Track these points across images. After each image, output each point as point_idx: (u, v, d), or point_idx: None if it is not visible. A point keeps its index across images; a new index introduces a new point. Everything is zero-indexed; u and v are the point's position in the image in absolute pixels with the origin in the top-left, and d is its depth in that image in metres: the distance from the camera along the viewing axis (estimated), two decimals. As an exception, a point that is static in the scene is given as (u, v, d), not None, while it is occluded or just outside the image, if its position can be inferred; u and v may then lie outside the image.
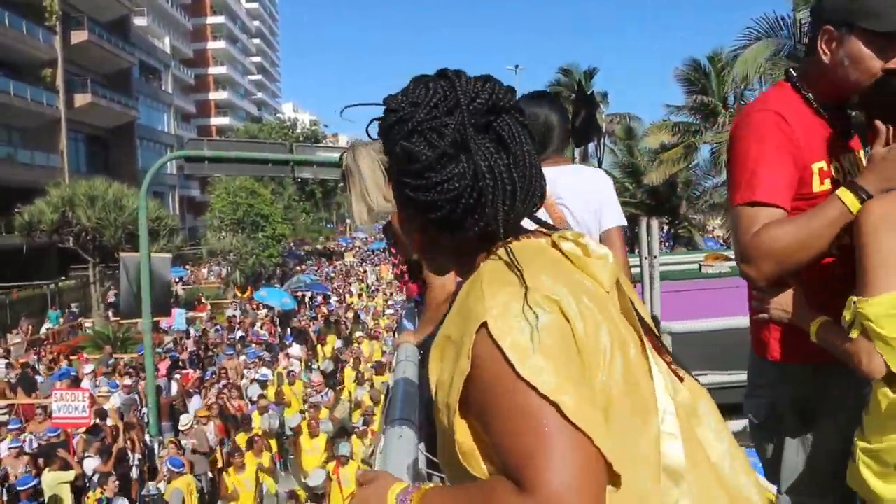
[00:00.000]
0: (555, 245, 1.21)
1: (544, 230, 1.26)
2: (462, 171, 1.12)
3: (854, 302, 1.71)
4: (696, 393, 1.25)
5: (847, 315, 1.73)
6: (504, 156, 1.14)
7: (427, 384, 1.19)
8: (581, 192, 2.81)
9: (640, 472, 1.08)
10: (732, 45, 19.51)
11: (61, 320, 25.05)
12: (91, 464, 9.91)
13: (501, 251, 1.16)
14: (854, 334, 1.72)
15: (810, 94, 1.97)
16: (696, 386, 1.26)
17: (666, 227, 26.63)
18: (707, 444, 1.20)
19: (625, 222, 2.89)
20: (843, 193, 1.80)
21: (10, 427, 11.19)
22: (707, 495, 1.14)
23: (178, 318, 20.82)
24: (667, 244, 24.73)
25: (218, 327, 23.52)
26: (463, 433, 1.09)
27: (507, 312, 1.05)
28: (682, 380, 1.24)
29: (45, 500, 8.88)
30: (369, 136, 1.26)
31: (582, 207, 2.79)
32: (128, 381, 14.60)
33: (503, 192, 1.13)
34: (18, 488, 8.60)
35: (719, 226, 34.22)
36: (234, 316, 25.01)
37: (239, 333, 20.95)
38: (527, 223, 1.25)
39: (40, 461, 9.93)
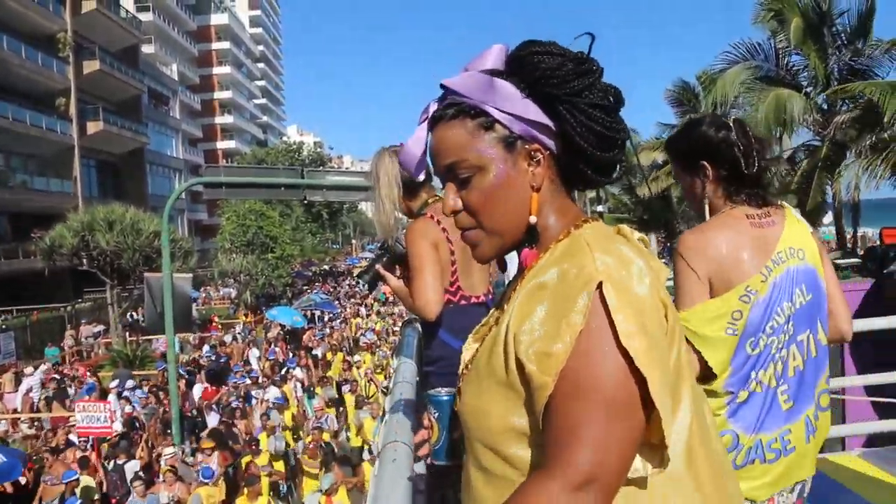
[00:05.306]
0: (619, 232, 1.23)
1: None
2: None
3: None
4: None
5: None
6: None
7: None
8: None
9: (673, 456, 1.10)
10: (710, 68, 20.44)
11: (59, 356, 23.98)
12: (132, 466, 10.56)
13: (593, 223, 1.21)
14: None
15: None
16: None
17: (662, 242, 27.37)
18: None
19: None
20: None
21: None
22: (715, 475, 1.18)
23: None
24: (663, 259, 25.30)
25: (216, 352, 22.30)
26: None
27: (619, 281, 1.06)
28: None
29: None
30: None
31: None
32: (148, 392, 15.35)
33: None
34: (63, 482, 9.43)
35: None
36: (227, 341, 24.03)
37: (252, 353, 21.31)
38: None
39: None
